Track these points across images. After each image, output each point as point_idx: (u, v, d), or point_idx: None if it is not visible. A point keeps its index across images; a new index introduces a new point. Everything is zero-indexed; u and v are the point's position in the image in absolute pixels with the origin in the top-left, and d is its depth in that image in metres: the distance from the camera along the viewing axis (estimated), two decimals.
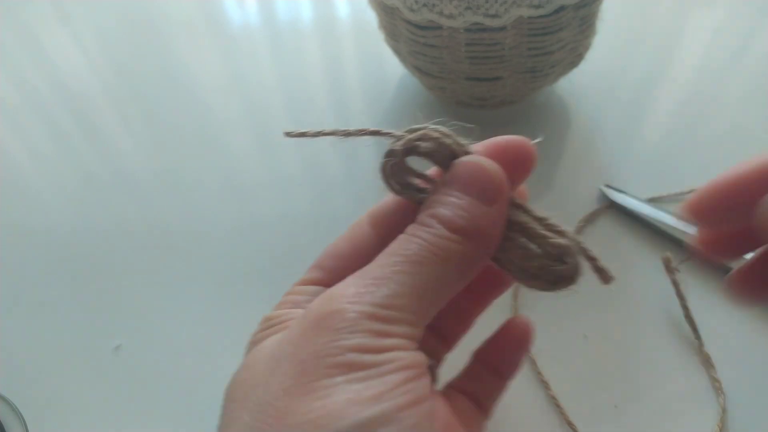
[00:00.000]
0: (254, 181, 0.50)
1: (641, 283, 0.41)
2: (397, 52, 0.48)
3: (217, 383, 0.42)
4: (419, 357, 0.20)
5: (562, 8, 0.41)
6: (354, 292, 0.20)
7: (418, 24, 0.42)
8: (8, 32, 0.65)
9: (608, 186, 0.45)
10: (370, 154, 0.51)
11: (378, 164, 0.24)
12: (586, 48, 0.47)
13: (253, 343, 0.23)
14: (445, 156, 0.23)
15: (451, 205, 0.21)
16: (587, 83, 0.52)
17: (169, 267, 0.45)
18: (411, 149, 0.23)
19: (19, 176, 0.53)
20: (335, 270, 0.24)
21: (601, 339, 0.39)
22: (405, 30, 0.44)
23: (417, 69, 0.47)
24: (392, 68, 0.55)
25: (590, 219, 0.44)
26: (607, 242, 0.43)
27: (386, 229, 0.24)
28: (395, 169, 0.23)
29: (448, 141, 0.22)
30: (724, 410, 0.35)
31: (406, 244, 0.21)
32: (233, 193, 0.49)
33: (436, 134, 0.23)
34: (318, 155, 0.51)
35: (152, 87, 0.58)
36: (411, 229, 0.21)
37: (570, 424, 0.35)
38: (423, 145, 0.22)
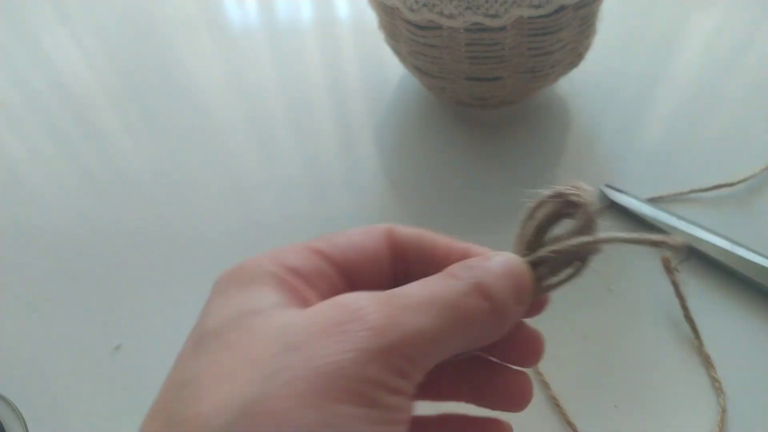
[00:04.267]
0: (254, 181, 0.50)
1: (641, 283, 0.41)
2: (397, 52, 0.48)
3: None
4: (413, 409, 0.19)
5: (562, 8, 0.41)
6: (388, 315, 0.18)
7: (418, 24, 0.42)
8: (8, 32, 0.65)
9: (608, 186, 0.45)
10: (370, 155, 0.51)
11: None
12: (586, 48, 0.47)
13: (241, 280, 0.21)
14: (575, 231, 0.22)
15: (494, 275, 0.21)
16: (587, 83, 0.52)
17: (169, 267, 0.45)
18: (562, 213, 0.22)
19: (19, 176, 0.53)
20: (347, 256, 0.23)
21: (601, 339, 0.39)
22: (405, 30, 0.44)
23: (417, 69, 0.47)
24: (392, 68, 0.55)
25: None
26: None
27: (401, 256, 0.24)
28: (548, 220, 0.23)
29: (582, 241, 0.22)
30: (724, 410, 0.35)
31: (446, 289, 0.20)
32: (233, 193, 0.49)
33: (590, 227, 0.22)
34: (318, 156, 0.51)
35: (152, 86, 0.58)
36: (451, 277, 0.21)
37: (570, 424, 0.35)
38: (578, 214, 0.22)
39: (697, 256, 0.41)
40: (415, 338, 0.18)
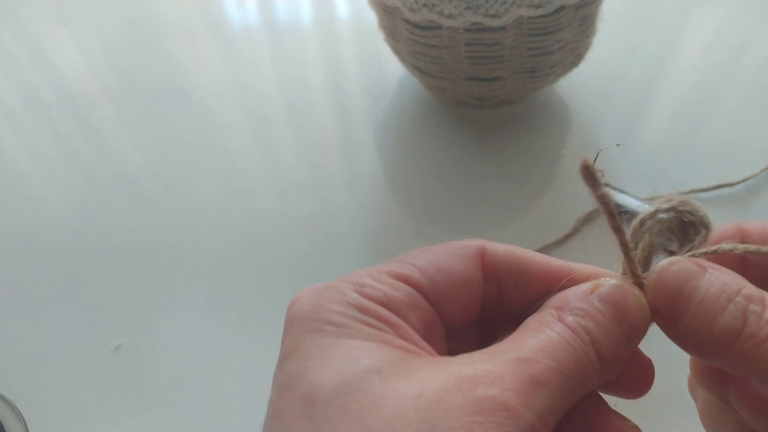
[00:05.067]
0: (254, 182, 0.50)
1: None
2: (397, 52, 0.49)
3: (216, 383, 0.42)
4: None
5: (562, 8, 0.41)
6: (521, 393, 0.17)
7: (418, 24, 0.42)
8: (8, 32, 0.65)
9: (608, 186, 0.45)
10: (370, 155, 0.51)
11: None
12: (586, 48, 0.47)
13: (323, 330, 0.19)
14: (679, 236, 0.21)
15: (605, 331, 0.19)
16: (587, 83, 0.52)
17: (169, 267, 0.45)
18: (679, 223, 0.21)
19: (19, 177, 0.53)
20: (436, 283, 0.21)
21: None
22: (405, 30, 0.44)
23: (417, 69, 0.47)
24: (392, 68, 0.55)
25: (590, 219, 0.44)
26: (606, 242, 0.43)
27: (493, 277, 0.22)
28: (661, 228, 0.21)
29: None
30: None
31: (565, 353, 0.19)
32: (232, 192, 0.49)
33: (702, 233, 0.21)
34: (318, 155, 0.51)
35: (152, 87, 0.58)
36: (566, 330, 0.19)
37: None
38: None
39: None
40: (544, 416, 0.17)
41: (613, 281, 0.20)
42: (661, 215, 0.21)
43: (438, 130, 0.51)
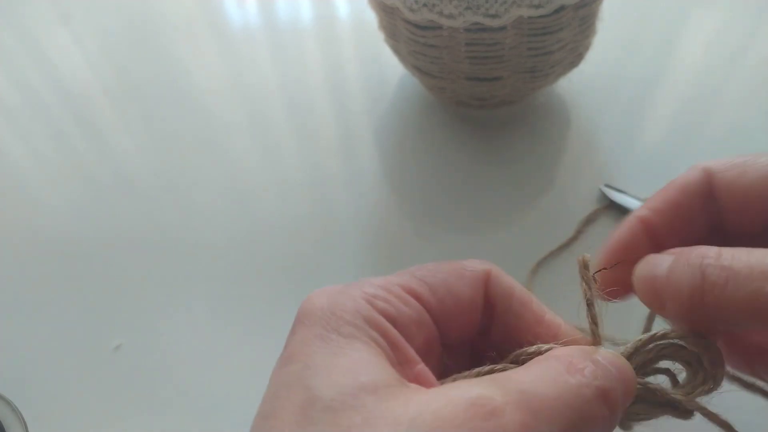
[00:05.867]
0: (254, 182, 0.50)
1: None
2: (397, 52, 0.48)
3: (216, 383, 0.42)
4: None
5: (562, 8, 0.41)
6: (524, 423, 0.17)
7: (418, 24, 0.42)
8: (8, 32, 0.65)
9: (608, 186, 0.45)
10: (370, 155, 0.51)
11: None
12: (586, 48, 0.47)
13: (328, 339, 0.19)
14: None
15: (615, 383, 0.20)
16: (587, 83, 0.52)
17: (169, 267, 0.45)
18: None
19: (19, 176, 0.53)
20: (444, 303, 0.21)
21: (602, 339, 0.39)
22: (405, 30, 0.44)
23: (417, 69, 0.47)
24: (392, 68, 0.55)
25: (590, 219, 0.44)
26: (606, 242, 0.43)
27: (490, 305, 0.22)
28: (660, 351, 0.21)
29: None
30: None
31: (575, 392, 0.18)
32: (232, 192, 0.49)
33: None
34: (318, 156, 0.51)
35: (152, 87, 0.58)
36: (576, 373, 0.19)
37: None
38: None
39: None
40: None
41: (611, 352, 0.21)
42: (671, 337, 0.21)
43: (438, 130, 0.51)
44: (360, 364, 0.18)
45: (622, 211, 0.44)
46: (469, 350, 0.24)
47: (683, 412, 0.21)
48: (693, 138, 0.49)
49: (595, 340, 0.21)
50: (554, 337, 0.22)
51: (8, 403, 0.36)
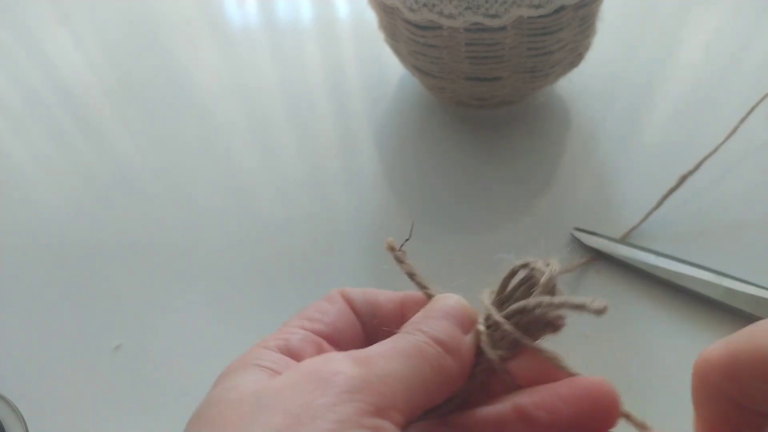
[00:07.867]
0: (255, 182, 0.50)
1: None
2: (397, 52, 0.49)
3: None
4: None
5: (562, 8, 0.41)
6: (358, 361, 0.20)
7: (418, 24, 0.42)
8: (8, 32, 0.65)
9: (578, 229, 0.43)
10: (370, 155, 0.51)
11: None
12: (586, 48, 0.47)
13: (227, 375, 0.23)
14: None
15: (439, 325, 0.22)
16: (587, 83, 0.52)
17: (169, 267, 0.45)
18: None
19: (19, 177, 0.53)
20: (330, 325, 0.24)
21: (602, 339, 0.39)
22: (405, 30, 0.44)
23: (417, 69, 0.47)
24: (392, 68, 0.55)
25: (575, 269, 0.42)
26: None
27: (358, 315, 0.25)
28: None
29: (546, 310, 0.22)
30: None
31: (406, 342, 0.21)
32: (232, 193, 0.49)
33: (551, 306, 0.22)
34: (318, 156, 0.51)
35: (152, 87, 0.58)
36: (407, 334, 0.22)
37: None
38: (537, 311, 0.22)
39: (683, 292, 0.40)
40: (386, 378, 0.19)
41: (443, 296, 0.24)
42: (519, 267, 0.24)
43: (438, 130, 0.51)
44: (233, 378, 0.22)
45: (595, 252, 0.42)
46: None
47: (551, 322, 0.23)
48: (693, 138, 0.49)
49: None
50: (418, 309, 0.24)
51: (8, 403, 0.36)
